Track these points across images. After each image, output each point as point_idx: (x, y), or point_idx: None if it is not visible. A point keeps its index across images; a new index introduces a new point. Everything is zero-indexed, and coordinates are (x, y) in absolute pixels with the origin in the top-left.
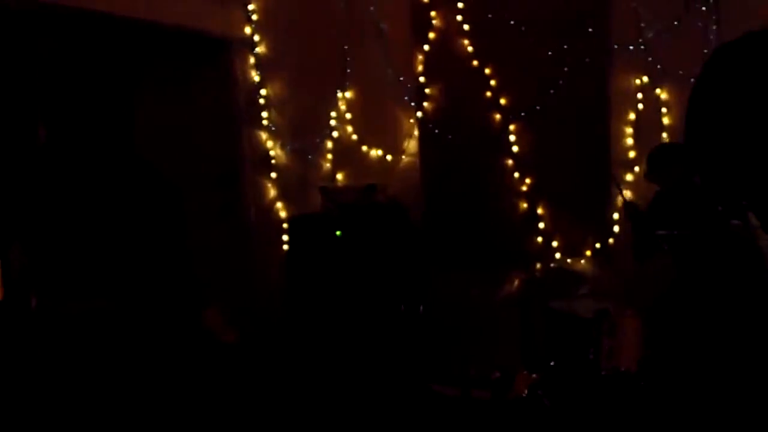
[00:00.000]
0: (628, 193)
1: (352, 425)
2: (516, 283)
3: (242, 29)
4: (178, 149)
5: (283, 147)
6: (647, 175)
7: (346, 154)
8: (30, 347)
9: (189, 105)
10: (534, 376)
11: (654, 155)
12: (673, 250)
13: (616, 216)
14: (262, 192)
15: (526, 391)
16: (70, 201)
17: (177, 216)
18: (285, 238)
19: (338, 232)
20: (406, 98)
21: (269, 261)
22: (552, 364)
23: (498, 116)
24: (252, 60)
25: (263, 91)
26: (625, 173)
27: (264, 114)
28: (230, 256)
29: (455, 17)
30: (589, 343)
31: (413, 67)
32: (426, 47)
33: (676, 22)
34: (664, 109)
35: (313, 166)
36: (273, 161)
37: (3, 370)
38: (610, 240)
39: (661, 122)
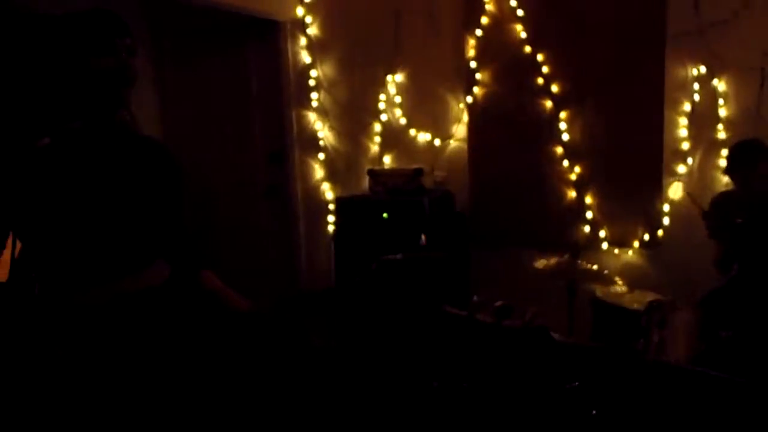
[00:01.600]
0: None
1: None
2: (560, 269)
3: (294, 10)
4: (229, 128)
5: (331, 128)
6: (728, 172)
7: (394, 137)
8: (31, 332)
9: (241, 85)
10: (533, 309)
11: (738, 151)
12: (738, 242)
13: (666, 208)
14: (309, 172)
15: (524, 321)
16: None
17: (170, 173)
18: (331, 219)
19: (385, 215)
20: (456, 83)
21: (315, 241)
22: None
23: (549, 103)
24: (303, 41)
25: (314, 73)
26: (678, 164)
27: (314, 95)
28: (277, 235)
29: (509, 2)
30: (638, 335)
31: (464, 51)
32: (478, 32)
33: (735, 12)
34: (721, 101)
35: (360, 149)
36: (321, 142)
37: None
38: (660, 232)
39: (717, 114)
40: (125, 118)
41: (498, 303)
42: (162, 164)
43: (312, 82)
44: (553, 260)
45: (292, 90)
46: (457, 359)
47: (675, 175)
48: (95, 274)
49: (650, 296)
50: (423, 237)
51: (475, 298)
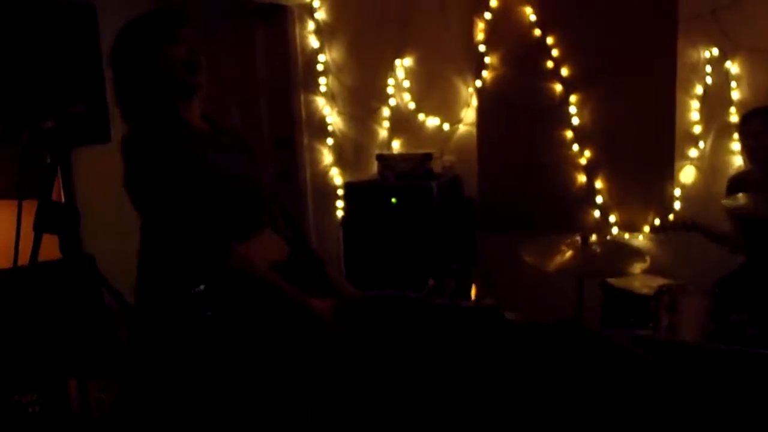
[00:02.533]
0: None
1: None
2: (569, 254)
3: None
4: (236, 113)
5: (340, 113)
6: (744, 140)
7: (402, 121)
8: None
9: (248, 69)
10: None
11: (755, 116)
12: (748, 226)
13: (677, 192)
14: (317, 158)
15: (477, 301)
16: None
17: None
18: (339, 204)
19: (394, 200)
20: (465, 67)
21: (323, 226)
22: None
23: (559, 87)
24: (311, 26)
25: (322, 57)
26: (690, 148)
27: (322, 80)
28: None
29: None
30: (647, 319)
31: (473, 35)
32: (487, 15)
33: None
34: (733, 83)
35: (369, 133)
36: (329, 127)
37: None
38: (671, 216)
39: (729, 97)
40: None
41: (452, 283)
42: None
43: (320, 67)
44: (565, 254)
45: (300, 75)
46: (414, 343)
47: (686, 159)
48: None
49: (660, 281)
50: (431, 282)
51: (431, 281)
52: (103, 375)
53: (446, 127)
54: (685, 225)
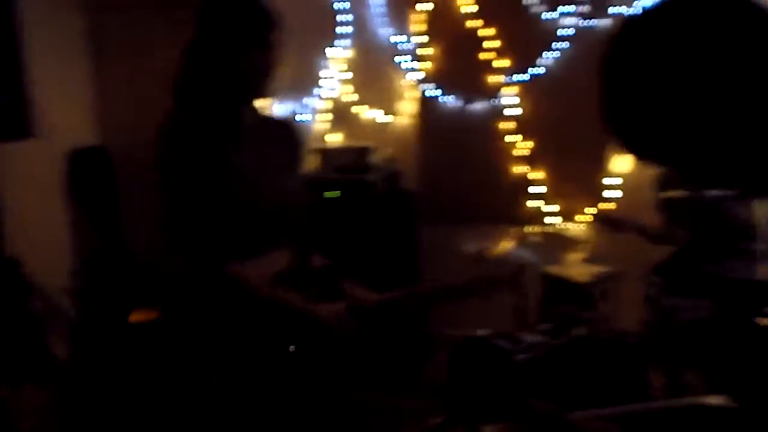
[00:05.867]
0: None
1: None
2: (509, 244)
3: None
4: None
5: (275, 106)
6: None
7: (340, 114)
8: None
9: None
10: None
11: None
12: (681, 214)
13: (613, 181)
14: None
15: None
16: None
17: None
18: None
19: (333, 194)
20: (403, 58)
21: None
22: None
23: (498, 78)
24: None
25: None
26: None
27: None
28: None
29: None
30: (584, 307)
31: (412, 26)
32: (425, 5)
33: None
34: None
35: (306, 127)
36: None
37: None
38: (609, 205)
39: None
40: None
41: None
42: (295, 141)
43: None
44: (504, 245)
45: None
46: None
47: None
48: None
49: (597, 268)
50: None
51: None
52: (34, 382)
53: (385, 119)
54: (607, 220)
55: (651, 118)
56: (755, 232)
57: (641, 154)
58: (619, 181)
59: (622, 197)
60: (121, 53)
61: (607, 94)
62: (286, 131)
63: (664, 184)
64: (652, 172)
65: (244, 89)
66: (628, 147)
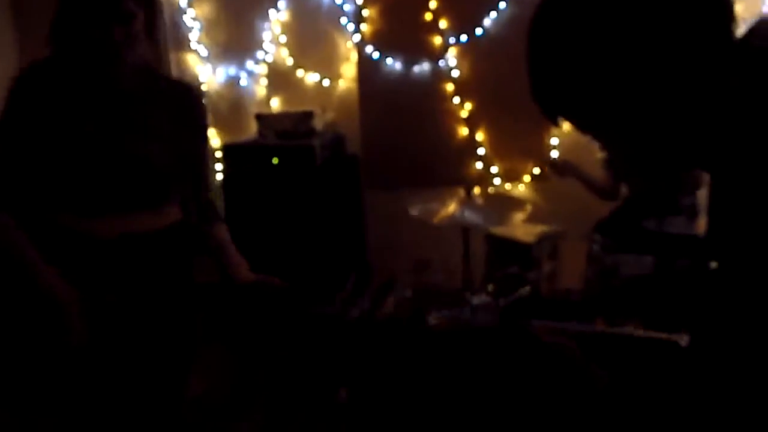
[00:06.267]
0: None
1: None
2: (454, 206)
3: None
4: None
5: (213, 72)
6: None
7: (281, 78)
8: None
9: None
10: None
11: None
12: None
13: (555, 141)
14: None
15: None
16: None
17: (196, 115)
18: (218, 166)
19: (275, 160)
20: (343, 20)
21: None
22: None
23: (438, 39)
24: None
25: (191, 12)
26: None
27: (192, 36)
28: None
29: None
30: (529, 267)
31: None
32: None
33: None
34: None
35: (246, 92)
36: (203, 87)
37: None
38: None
39: None
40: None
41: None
42: (188, 105)
43: (190, 23)
44: (450, 207)
45: (169, 33)
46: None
47: None
48: (97, 206)
49: (541, 228)
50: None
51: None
52: None
53: (326, 83)
54: (555, 165)
55: (568, 83)
56: (695, 188)
57: (558, 116)
58: (558, 141)
59: (566, 157)
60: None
61: (532, 58)
62: (179, 96)
63: None
64: None
65: (104, 59)
66: (547, 111)
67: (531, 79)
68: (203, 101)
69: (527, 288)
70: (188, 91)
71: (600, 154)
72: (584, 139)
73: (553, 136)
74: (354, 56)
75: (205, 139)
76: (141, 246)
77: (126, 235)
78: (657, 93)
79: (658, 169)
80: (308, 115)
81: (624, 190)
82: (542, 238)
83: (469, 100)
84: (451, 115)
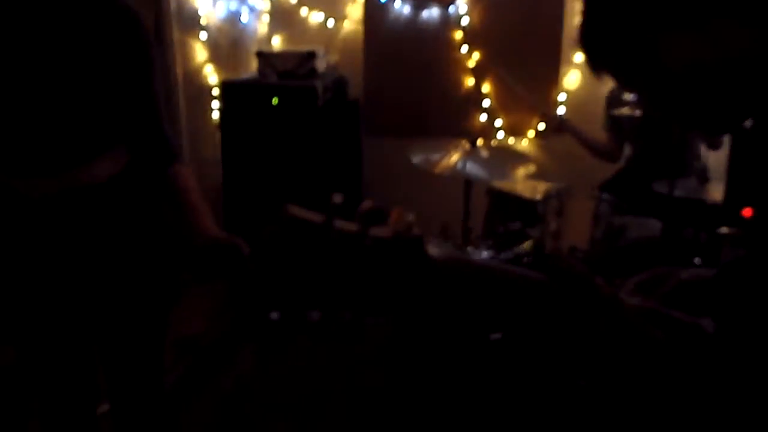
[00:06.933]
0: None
1: None
2: (457, 157)
3: None
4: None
5: (213, 5)
6: None
7: (284, 16)
8: None
9: None
10: (411, 215)
11: None
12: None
13: (562, 97)
14: (190, 53)
15: (395, 231)
16: None
17: (136, 44)
18: (216, 104)
19: (275, 100)
20: None
21: (198, 129)
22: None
23: None
24: None
25: None
26: (575, 53)
27: None
28: None
29: None
30: (533, 223)
31: None
32: None
33: None
34: None
35: (247, 29)
36: (203, 20)
37: None
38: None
39: None
40: None
41: (365, 205)
42: (125, 32)
43: None
44: (452, 158)
45: None
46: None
47: (572, 64)
48: (30, 163)
49: (543, 185)
50: (336, 198)
51: (336, 198)
52: None
53: (331, 23)
54: (551, 120)
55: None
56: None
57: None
58: (566, 97)
59: (570, 113)
60: None
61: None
62: (112, 21)
63: (614, 101)
64: (602, 89)
65: None
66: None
67: (583, 22)
68: (141, 23)
69: (530, 242)
70: (124, 14)
71: (606, 114)
72: (592, 97)
73: (561, 91)
74: None
75: (150, 67)
76: (79, 202)
77: (64, 191)
78: (724, 47)
79: (717, 124)
80: (311, 55)
81: (627, 151)
82: (546, 195)
83: (477, 50)
84: (458, 64)
